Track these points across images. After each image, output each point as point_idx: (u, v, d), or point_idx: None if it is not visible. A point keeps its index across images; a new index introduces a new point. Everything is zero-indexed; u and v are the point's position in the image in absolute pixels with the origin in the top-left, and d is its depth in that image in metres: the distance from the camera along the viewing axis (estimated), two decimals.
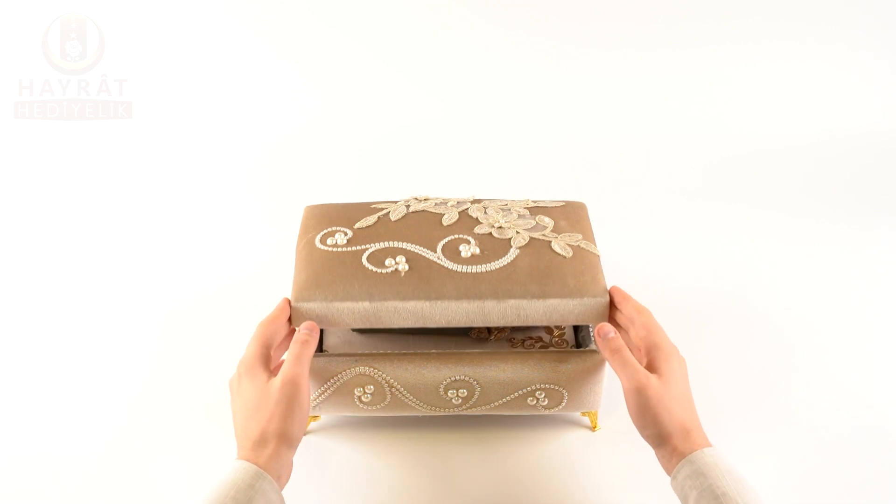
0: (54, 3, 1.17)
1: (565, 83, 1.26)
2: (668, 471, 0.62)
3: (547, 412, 0.74)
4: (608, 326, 0.67)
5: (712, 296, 0.94)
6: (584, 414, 0.78)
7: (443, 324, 0.68)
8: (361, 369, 0.71)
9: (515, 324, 0.69)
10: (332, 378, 0.71)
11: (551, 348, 0.76)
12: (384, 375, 0.71)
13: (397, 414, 0.74)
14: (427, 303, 0.68)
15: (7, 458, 0.76)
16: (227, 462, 0.61)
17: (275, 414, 0.62)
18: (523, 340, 0.77)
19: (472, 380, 0.71)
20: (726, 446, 0.69)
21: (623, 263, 0.95)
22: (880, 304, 0.94)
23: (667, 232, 1.06)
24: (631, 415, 0.64)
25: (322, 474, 0.74)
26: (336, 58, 1.24)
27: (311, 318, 0.69)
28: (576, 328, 0.79)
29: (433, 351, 0.72)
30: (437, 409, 0.74)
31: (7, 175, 1.14)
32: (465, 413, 0.74)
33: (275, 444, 0.61)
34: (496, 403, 0.73)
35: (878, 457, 0.76)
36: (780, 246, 1.03)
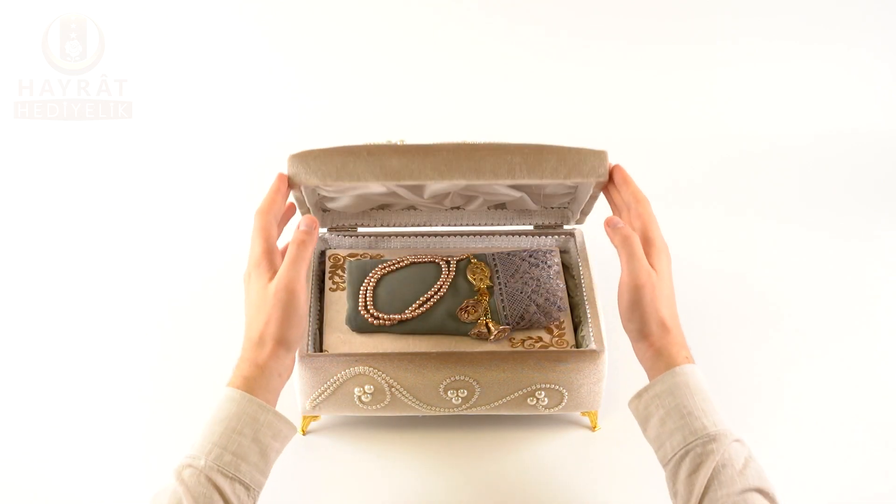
0: (54, 3, 1.17)
1: (564, 83, 1.26)
2: (642, 362, 0.65)
3: (547, 412, 0.74)
4: (617, 217, 0.68)
5: (711, 295, 0.94)
6: (584, 414, 0.78)
7: (436, 177, 0.68)
8: (361, 369, 0.71)
9: (507, 179, 0.69)
10: (332, 378, 0.71)
11: (551, 348, 0.76)
12: (384, 375, 0.71)
13: (397, 414, 0.74)
14: (423, 157, 0.68)
15: (6, 457, 0.76)
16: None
17: (272, 318, 0.63)
18: (523, 340, 0.77)
19: (472, 380, 0.71)
20: None
21: None
22: (880, 304, 0.94)
23: (666, 232, 1.06)
24: (620, 307, 0.65)
25: (322, 474, 0.74)
26: (338, 57, 1.24)
27: (309, 176, 0.68)
28: (576, 329, 0.79)
29: (433, 351, 0.72)
30: (437, 409, 0.74)
31: (7, 175, 1.14)
32: (465, 413, 0.74)
33: (272, 347, 0.62)
34: (496, 403, 0.73)
35: (880, 456, 0.76)
36: (779, 246, 1.03)
